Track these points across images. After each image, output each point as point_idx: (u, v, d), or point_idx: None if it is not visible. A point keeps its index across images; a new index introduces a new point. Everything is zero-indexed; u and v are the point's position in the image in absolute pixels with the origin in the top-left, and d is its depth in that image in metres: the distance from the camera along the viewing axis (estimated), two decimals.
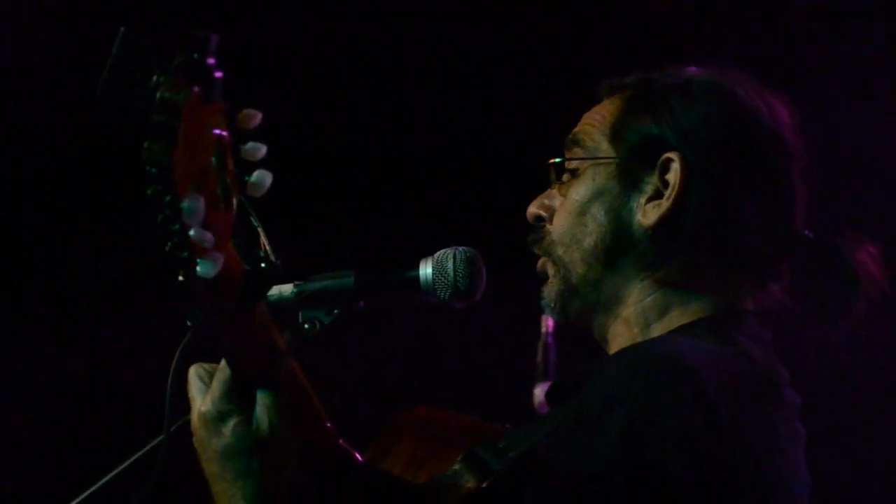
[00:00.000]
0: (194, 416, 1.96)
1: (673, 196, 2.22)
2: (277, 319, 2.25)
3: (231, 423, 1.90)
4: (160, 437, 2.18)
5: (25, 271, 4.51)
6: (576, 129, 2.38)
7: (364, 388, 4.30)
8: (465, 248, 2.33)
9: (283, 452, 1.88)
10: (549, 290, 2.34)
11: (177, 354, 2.07)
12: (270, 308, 2.30)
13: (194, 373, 1.99)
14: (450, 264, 2.32)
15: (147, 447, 2.27)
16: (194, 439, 1.97)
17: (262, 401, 1.89)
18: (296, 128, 4.34)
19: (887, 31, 4.27)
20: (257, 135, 1.75)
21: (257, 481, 1.89)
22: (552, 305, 2.34)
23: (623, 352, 2.19)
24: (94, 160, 4.12)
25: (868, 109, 4.28)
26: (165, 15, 3.73)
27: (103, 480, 2.30)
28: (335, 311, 2.31)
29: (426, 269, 2.32)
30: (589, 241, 2.28)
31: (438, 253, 2.33)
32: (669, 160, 2.23)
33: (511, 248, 2.43)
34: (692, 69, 2.34)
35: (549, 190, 2.39)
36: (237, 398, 1.92)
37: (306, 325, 2.30)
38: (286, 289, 2.32)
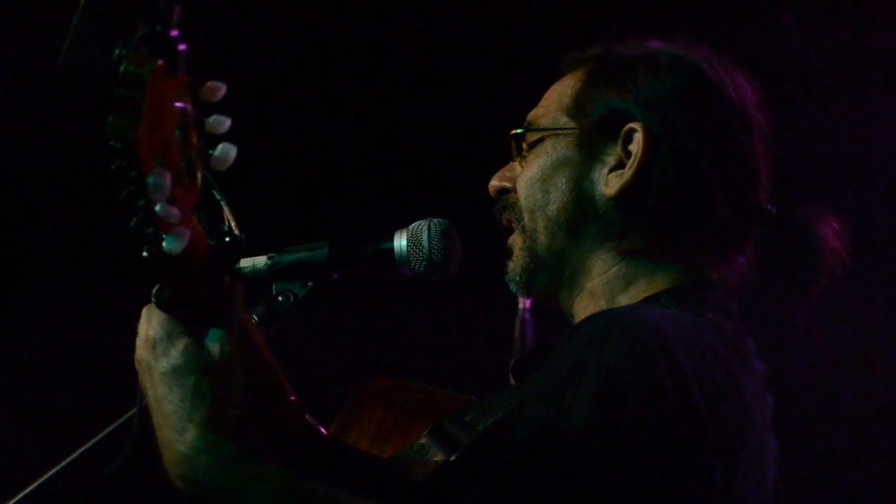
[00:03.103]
0: (139, 343, 1.88)
1: (635, 166, 2.20)
2: (250, 291, 2.25)
3: (181, 343, 1.83)
4: (133, 410, 2.17)
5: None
6: (536, 108, 2.36)
7: (330, 361, 4.29)
8: (439, 219, 2.32)
9: (233, 378, 1.82)
10: (515, 265, 2.32)
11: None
12: (244, 280, 2.31)
13: (146, 310, 1.92)
14: (424, 236, 2.30)
15: (119, 420, 2.27)
16: (138, 367, 1.89)
17: (215, 332, 1.84)
18: (273, 99, 4.31)
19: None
20: (225, 108, 1.73)
21: (207, 404, 1.81)
22: (517, 280, 2.32)
23: (590, 319, 2.16)
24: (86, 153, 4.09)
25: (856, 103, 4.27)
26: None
27: (76, 454, 2.29)
28: (309, 284, 2.30)
29: (400, 241, 2.31)
30: (552, 209, 2.26)
31: (413, 225, 2.31)
32: (632, 130, 2.22)
33: (487, 220, 2.40)
34: (657, 43, 2.32)
35: (510, 163, 2.37)
36: (184, 321, 1.86)
37: (280, 298, 2.28)
38: (260, 261, 2.30)
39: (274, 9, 4.40)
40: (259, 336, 1.94)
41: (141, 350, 1.87)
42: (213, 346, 1.83)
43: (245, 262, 2.30)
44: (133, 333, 2.03)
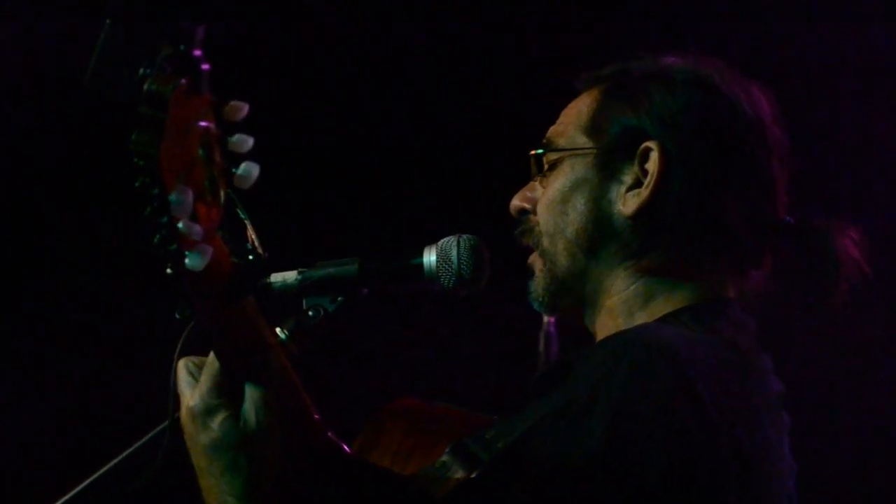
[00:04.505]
0: (183, 411, 1.95)
1: (652, 184, 2.21)
2: (281, 306, 2.27)
3: (219, 417, 1.90)
4: (163, 424, 2.18)
5: (21, 265, 4.52)
6: (554, 126, 2.38)
7: (355, 378, 4.30)
8: (469, 235, 2.32)
9: (270, 448, 1.88)
10: (536, 285, 2.34)
11: (179, 344, 2.08)
12: (274, 295, 2.33)
13: (183, 367, 1.99)
14: (454, 252, 2.31)
15: (150, 434, 2.28)
16: (184, 434, 1.96)
17: (249, 395, 1.89)
18: (304, 114, 4.33)
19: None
20: (253, 126, 1.74)
21: (245, 477, 1.88)
22: (539, 300, 2.35)
23: (607, 340, 2.19)
24: (91, 152, 4.12)
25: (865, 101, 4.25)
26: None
27: (106, 467, 2.31)
28: (339, 299, 2.31)
29: (430, 257, 2.31)
30: (571, 231, 2.28)
31: (442, 240, 2.32)
32: (648, 149, 2.23)
33: (514, 235, 2.41)
34: (670, 58, 2.33)
35: (531, 182, 2.39)
36: (225, 392, 1.92)
37: (310, 313, 2.29)
38: (290, 276, 2.32)
39: (297, 26, 4.41)
40: (285, 360, 1.96)
41: (185, 419, 1.95)
42: (250, 415, 1.88)
43: (275, 277, 2.31)
44: (164, 345, 2.07)
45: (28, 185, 4.44)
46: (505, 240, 2.41)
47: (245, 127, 1.72)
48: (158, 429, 2.24)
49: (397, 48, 4.44)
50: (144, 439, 2.28)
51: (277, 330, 2.26)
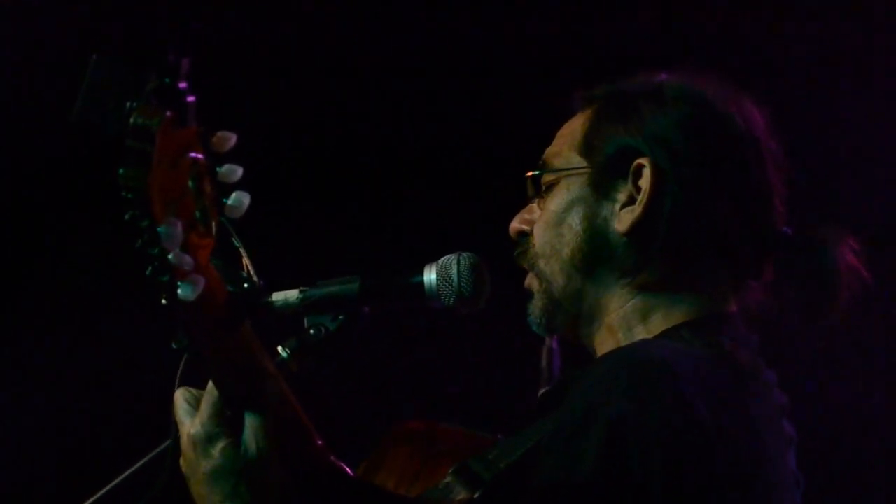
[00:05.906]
0: (183, 439, 1.97)
1: (645, 201, 2.22)
2: (283, 325, 2.28)
3: (220, 444, 1.92)
4: (167, 442, 2.20)
5: (26, 273, 4.53)
6: (550, 147, 2.38)
7: (360, 400, 4.30)
8: (468, 253, 2.33)
9: (270, 475, 1.90)
10: (534, 307, 2.34)
11: (178, 373, 2.10)
12: (276, 314, 2.34)
13: (180, 396, 2.01)
14: (454, 270, 2.31)
15: (154, 451, 2.29)
16: (182, 461, 1.99)
17: (249, 423, 1.91)
18: (305, 133, 4.33)
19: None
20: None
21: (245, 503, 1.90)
22: (538, 322, 2.35)
23: (604, 357, 2.19)
24: (93, 160, 4.11)
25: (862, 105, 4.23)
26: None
27: (110, 485, 2.32)
28: (340, 317, 2.32)
29: (430, 275, 2.32)
30: (567, 252, 2.28)
31: (442, 259, 2.33)
32: (641, 166, 2.23)
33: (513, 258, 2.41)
34: (663, 76, 2.34)
35: (529, 205, 2.39)
36: (225, 420, 1.94)
37: (312, 332, 2.30)
38: (292, 295, 2.32)
39: (298, 40, 4.40)
40: (284, 386, 1.98)
41: (185, 447, 1.98)
42: (250, 442, 1.91)
43: (277, 297, 2.32)
44: (164, 349, 2.08)
45: (29, 186, 4.45)
46: (506, 257, 2.41)
47: (234, 157, 1.73)
48: (157, 451, 2.25)
49: (398, 62, 4.43)
50: (148, 457, 2.29)
51: (279, 349, 2.28)
